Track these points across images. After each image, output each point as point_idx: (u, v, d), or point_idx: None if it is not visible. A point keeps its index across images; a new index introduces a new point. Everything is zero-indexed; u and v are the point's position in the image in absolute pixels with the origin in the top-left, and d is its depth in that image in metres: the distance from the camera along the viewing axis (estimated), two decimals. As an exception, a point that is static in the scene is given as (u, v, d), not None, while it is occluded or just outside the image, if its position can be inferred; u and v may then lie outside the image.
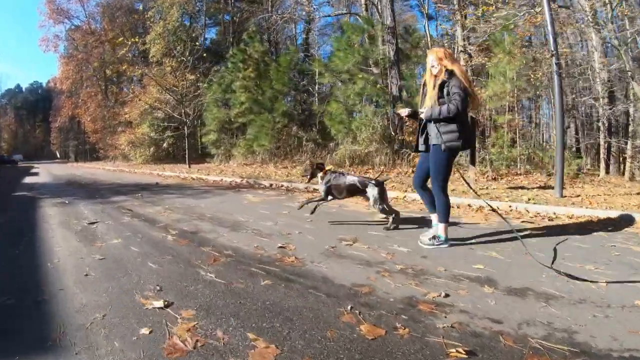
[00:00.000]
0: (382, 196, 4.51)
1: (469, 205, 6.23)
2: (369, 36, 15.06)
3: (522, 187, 8.05)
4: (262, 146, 16.49)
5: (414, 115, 3.95)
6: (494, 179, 9.99)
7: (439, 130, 3.61)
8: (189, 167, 18.79)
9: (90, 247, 3.85)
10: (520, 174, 10.81)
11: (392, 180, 9.27)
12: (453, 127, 3.56)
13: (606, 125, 12.46)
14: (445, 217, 3.75)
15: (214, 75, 21.82)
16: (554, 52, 7.16)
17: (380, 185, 4.52)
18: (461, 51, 18.62)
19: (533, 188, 7.90)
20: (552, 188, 7.38)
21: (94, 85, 44.48)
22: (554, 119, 16.72)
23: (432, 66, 3.69)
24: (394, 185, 8.47)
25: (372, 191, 4.48)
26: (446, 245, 3.72)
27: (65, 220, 5.35)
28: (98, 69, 43.55)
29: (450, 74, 3.57)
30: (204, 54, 25.11)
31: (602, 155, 12.50)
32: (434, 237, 3.77)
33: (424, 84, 3.88)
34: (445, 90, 3.59)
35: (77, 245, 3.93)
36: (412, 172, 11.53)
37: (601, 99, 12.31)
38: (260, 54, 19.32)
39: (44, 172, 23.22)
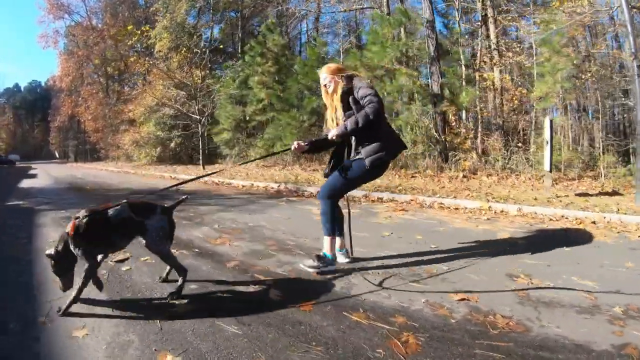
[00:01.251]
0: (170, 233, 2.77)
1: (577, 218, 5.32)
2: (404, 30, 13.93)
3: (586, 194, 7.39)
4: (286, 146, 14.88)
5: (316, 145, 3.41)
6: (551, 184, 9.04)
7: (360, 146, 3.12)
8: (203, 168, 17.34)
9: (145, 326, 2.22)
10: (574, 179, 9.96)
11: (468, 189, 7.89)
12: (372, 135, 3.05)
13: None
14: (330, 229, 3.16)
15: (231, 69, 20.31)
16: (635, 53, 6.53)
17: (167, 212, 2.75)
18: (494, 49, 17.41)
19: (597, 195, 7.35)
20: (617, 194, 7.38)
21: (94, 83, 43.45)
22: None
23: (325, 84, 3.28)
24: (471, 195, 7.10)
25: (154, 223, 2.62)
26: (333, 267, 3.17)
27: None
28: (99, 66, 42.46)
29: (349, 78, 3.16)
30: (221, 46, 23.64)
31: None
32: (318, 257, 3.16)
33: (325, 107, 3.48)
34: (351, 99, 3.06)
35: (115, 332, 2.16)
36: (463, 176, 10.42)
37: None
38: (279, 48, 17.95)
39: (43, 174, 21.89)
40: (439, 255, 3.58)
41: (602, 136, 12.65)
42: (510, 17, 17.27)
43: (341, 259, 3.34)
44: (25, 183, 14.55)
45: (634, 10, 10.96)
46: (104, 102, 38.63)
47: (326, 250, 3.19)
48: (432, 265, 3.30)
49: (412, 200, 7.09)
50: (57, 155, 68.51)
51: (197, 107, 18.43)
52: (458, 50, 14.72)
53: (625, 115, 15.66)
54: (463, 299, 2.58)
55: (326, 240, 3.20)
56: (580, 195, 7.22)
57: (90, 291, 2.60)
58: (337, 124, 3.20)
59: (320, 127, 15.52)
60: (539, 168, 10.04)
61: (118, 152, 32.21)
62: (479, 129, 13.24)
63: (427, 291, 2.73)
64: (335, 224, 3.20)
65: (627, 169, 9.99)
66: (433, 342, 2.03)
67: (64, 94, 48.36)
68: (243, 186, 10.53)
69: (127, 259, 3.52)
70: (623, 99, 13.99)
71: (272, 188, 9.66)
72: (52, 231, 4.95)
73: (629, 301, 2.53)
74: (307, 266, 3.15)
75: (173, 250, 3.54)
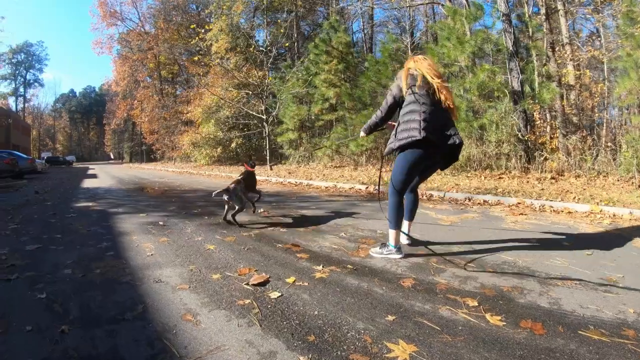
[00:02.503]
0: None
1: None
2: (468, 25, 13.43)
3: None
4: (361, 146, 14.58)
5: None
6: (640, 185, 8.62)
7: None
8: (271, 169, 17.26)
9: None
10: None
11: (569, 191, 7.38)
12: (397, 128, 3.46)
13: None
14: (393, 223, 3.49)
15: (298, 67, 20.15)
16: None
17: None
18: (567, 43, 16.63)
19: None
20: None
21: (150, 86, 44.62)
22: None
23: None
24: (577, 197, 6.70)
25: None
26: (399, 256, 3.51)
27: (210, 285, 2.89)
28: (154, 70, 43.60)
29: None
30: (286, 44, 23.64)
31: None
32: (384, 245, 3.62)
33: None
34: None
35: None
36: (551, 178, 9.91)
37: None
38: (343, 46, 17.69)
39: (103, 174, 22.46)
40: (599, 262, 3.36)
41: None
42: (588, 9, 16.49)
43: (403, 240, 3.81)
44: (88, 183, 14.76)
45: None
46: (159, 104, 39.55)
47: (391, 241, 3.52)
48: (604, 272, 3.08)
49: (519, 203, 6.71)
50: (112, 156, 71.11)
51: (263, 107, 18.36)
52: (535, 45, 14.07)
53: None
54: (664, 307, 2.43)
55: (391, 233, 3.51)
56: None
57: (259, 337, 2.09)
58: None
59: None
60: (627, 168, 9.43)
61: (178, 152, 32.74)
62: (562, 128, 12.62)
63: (625, 300, 2.56)
64: (400, 218, 3.52)
65: None
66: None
67: (119, 97, 49.95)
68: (326, 187, 10.28)
69: (266, 281, 2.95)
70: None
71: (360, 190, 9.37)
72: (143, 240, 4.37)
73: None
74: (374, 253, 3.61)
75: (320, 267, 3.28)
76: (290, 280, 2.98)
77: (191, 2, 41.10)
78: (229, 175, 16.47)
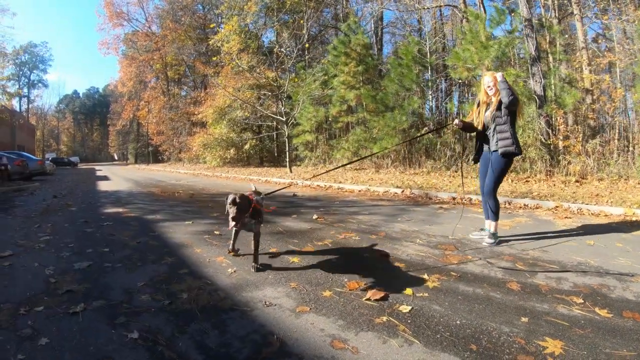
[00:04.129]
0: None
1: None
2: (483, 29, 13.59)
3: None
4: (385, 149, 14.61)
5: (468, 127, 4.57)
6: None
7: (497, 139, 4.24)
8: (290, 171, 17.35)
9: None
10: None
11: (600, 195, 7.60)
12: (507, 134, 4.17)
13: None
14: (498, 216, 4.42)
15: (316, 69, 20.17)
16: None
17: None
18: (582, 47, 16.73)
19: None
20: None
21: (156, 87, 44.61)
22: None
23: (489, 87, 4.33)
24: (609, 201, 6.92)
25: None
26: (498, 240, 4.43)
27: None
28: (161, 71, 43.59)
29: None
30: (307, 45, 23.61)
31: None
32: (493, 235, 4.42)
33: (478, 104, 4.53)
34: (503, 110, 4.20)
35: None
36: (575, 181, 10.07)
37: None
38: (362, 47, 17.77)
39: (114, 176, 22.17)
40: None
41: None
42: (605, 17, 16.62)
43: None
44: (104, 186, 14.50)
45: None
46: (167, 105, 39.54)
47: (494, 230, 4.44)
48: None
49: (557, 207, 6.90)
50: (115, 157, 71.08)
51: (282, 109, 18.33)
52: (556, 50, 14.21)
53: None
54: None
55: (494, 224, 4.43)
56: None
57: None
58: (481, 120, 4.41)
59: (418, 129, 15.37)
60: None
61: (185, 154, 32.62)
62: (581, 132, 12.79)
63: None
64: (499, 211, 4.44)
65: None
66: None
67: (125, 98, 49.91)
68: (360, 191, 10.36)
69: (386, 295, 2.83)
70: None
71: (397, 193, 9.50)
72: (211, 253, 4.05)
73: None
74: (487, 243, 4.35)
75: (425, 276, 3.30)
76: (409, 292, 2.92)
77: (199, 2, 41.12)
78: (249, 177, 16.44)
